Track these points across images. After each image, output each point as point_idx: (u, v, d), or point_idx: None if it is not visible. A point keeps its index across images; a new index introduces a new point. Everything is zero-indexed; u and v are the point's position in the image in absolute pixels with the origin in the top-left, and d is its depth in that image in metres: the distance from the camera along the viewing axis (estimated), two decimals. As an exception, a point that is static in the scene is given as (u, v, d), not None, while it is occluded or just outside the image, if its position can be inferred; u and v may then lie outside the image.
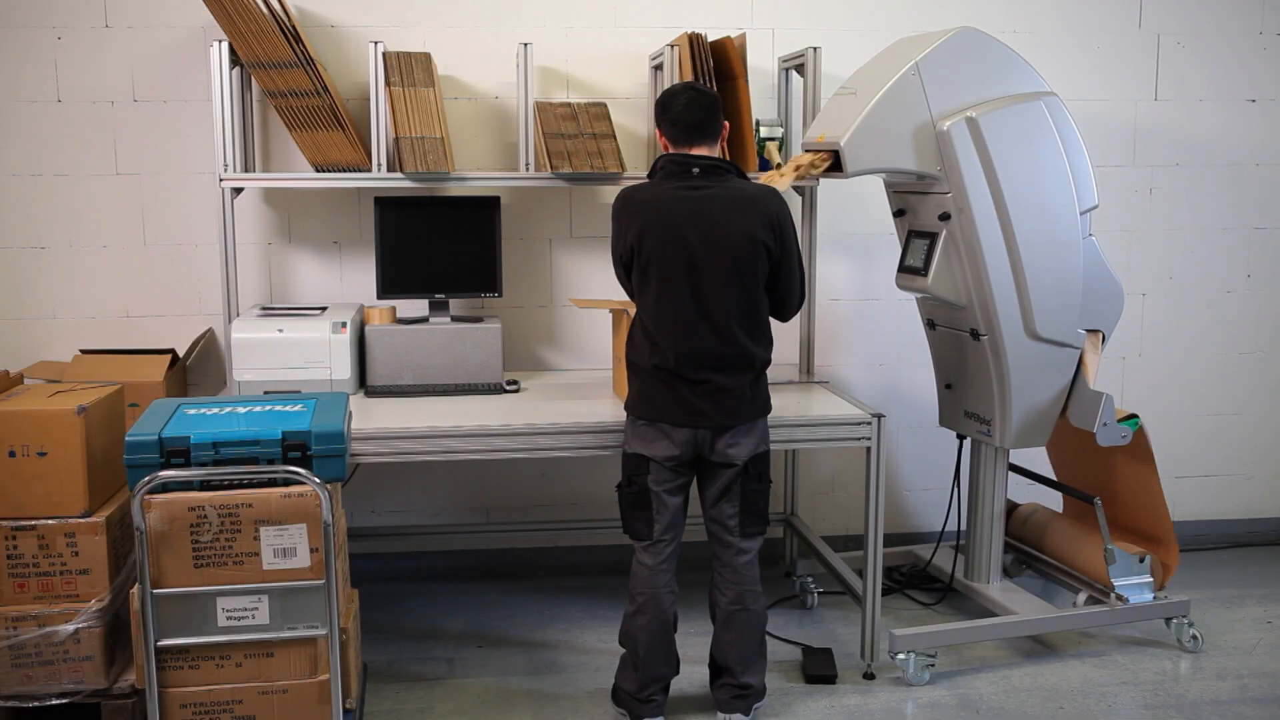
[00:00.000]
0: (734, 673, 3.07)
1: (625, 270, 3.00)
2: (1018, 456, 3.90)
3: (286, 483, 2.71)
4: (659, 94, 3.06)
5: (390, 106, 3.56)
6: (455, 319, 3.79)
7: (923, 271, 3.40)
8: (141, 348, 3.79)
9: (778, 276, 2.96)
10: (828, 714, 3.21)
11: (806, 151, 3.33)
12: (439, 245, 3.77)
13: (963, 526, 3.92)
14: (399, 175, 3.57)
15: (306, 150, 3.57)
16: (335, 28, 3.89)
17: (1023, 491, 4.14)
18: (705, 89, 3.02)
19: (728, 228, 2.87)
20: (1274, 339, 4.53)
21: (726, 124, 3.07)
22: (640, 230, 2.90)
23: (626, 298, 3.12)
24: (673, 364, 2.90)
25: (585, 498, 4.24)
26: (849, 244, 4.24)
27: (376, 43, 3.54)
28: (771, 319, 3.04)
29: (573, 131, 3.67)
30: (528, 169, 3.67)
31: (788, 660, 3.51)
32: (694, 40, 3.57)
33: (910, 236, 3.51)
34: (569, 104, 3.80)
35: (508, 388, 3.65)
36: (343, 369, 3.50)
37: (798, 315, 3.95)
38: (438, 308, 3.82)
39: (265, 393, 3.38)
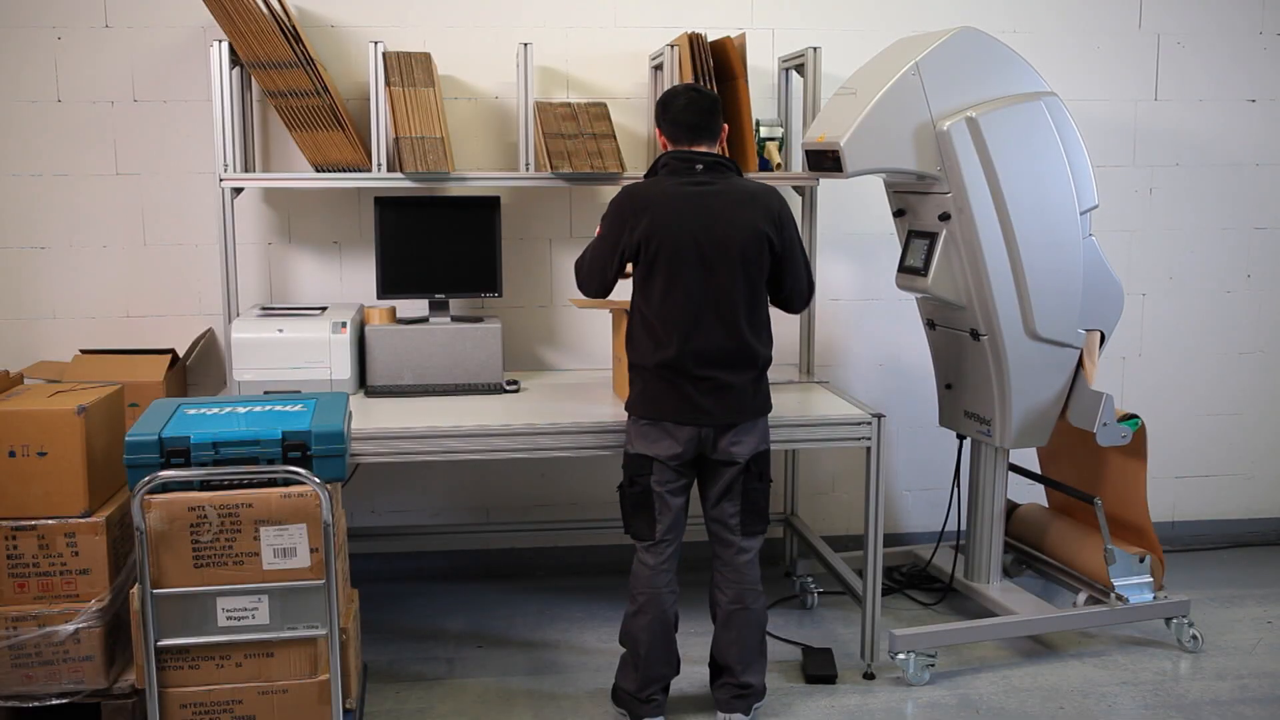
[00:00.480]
0: (734, 672, 3.07)
1: (620, 263, 2.98)
2: (1018, 456, 3.90)
3: (286, 483, 2.71)
4: (659, 94, 3.07)
5: (390, 106, 3.56)
6: (455, 319, 3.79)
7: (923, 271, 3.40)
8: (141, 348, 3.79)
9: (782, 271, 2.99)
10: (828, 714, 3.21)
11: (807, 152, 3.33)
12: (439, 245, 3.76)
13: (963, 526, 3.92)
14: (399, 175, 3.57)
15: (306, 150, 3.57)
16: (335, 28, 3.89)
17: (1023, 491, 4.14)
18: (706, 90, 3.04)
19: (734, 222, 2.89)
20: (1274, 339, 4.53)
21: (726, 126, 3.08)
22: (649, 225, 2.89)
23: (627, 298, 3.11)
24: (678, 359, 2.90)
25: (585, 498, 4.24)
26: (849, 244, 4.24)
27: (376, 43, 3.54)
28: (783, 311, 3.08)
29: (573, 131, 3.67)
30: (528, 169, 3.67)
31: (788, 660, 3.51)
32: (694, 40, 3.57)
33: (910, 236, 3.51)
34: (569, 104, 3.80)
35: (508, 388, 3.65)
36: (343, 369, 3.50)
37: (798, 316, 3.98)
38: (438, 308, 3.82)
39: (265, 393, 3.38)
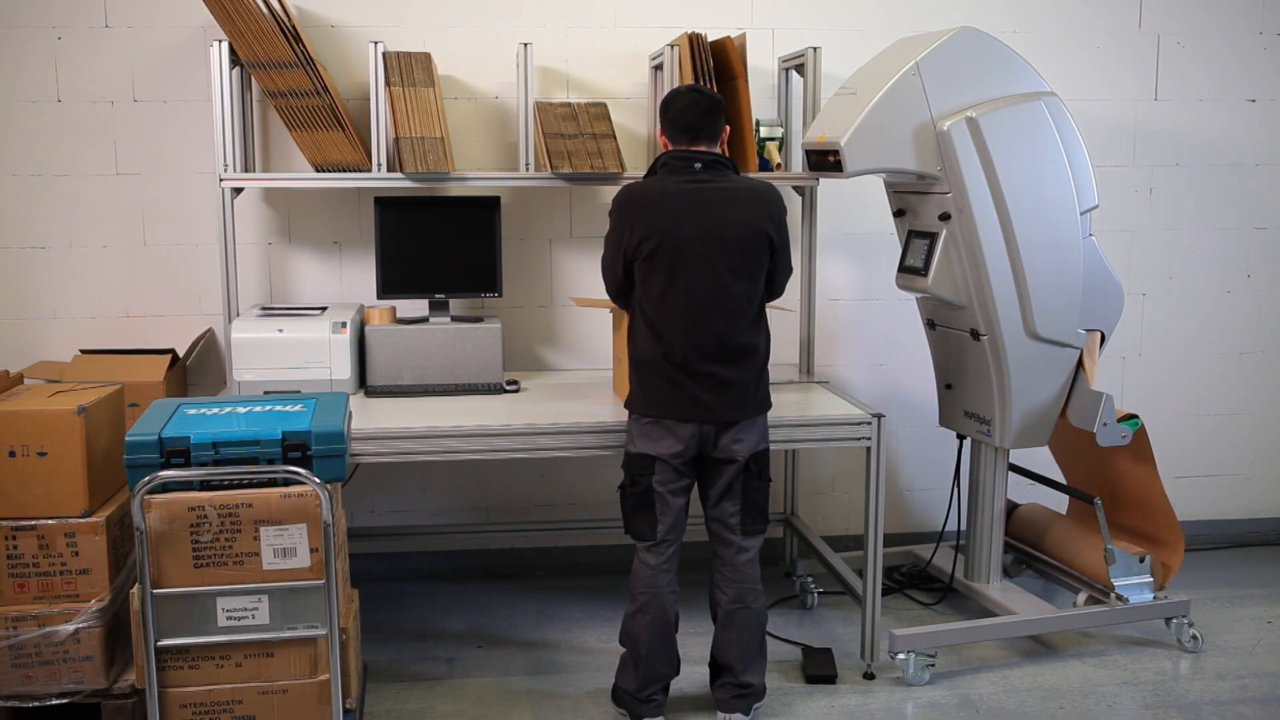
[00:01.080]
0: (734, 671, 3.07)
1: (626, 265, 2.99)
2: (1018, 456, 3.89)
3: (286, 483, 2.71)
4: (660, 94, 3.08)
5: (390, 106, 3.56)
6: (455, 319, 3.79)
7: (923, 271, 3.40)
8: (141, 348, 3.79)
9: (776, 265, 3.01)
10: (828, 714, 3.21)
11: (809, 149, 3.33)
12: (439, 245, 3.76)
13: (963, 526, 3.92)
14: (399, 175, 3.57)
15: (306, 150, 3.57)
16: (335, 28, 3.89)
17: (1023, 491, 4.14)
18: (708, 91, 3.05)
19: (735, 220, 2.90)
20: (1274, 339, 4.53)
21: (727, 128, 3.09)
22: (648, 223, 2.90)
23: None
24: (679, 356, 2.90)
25: (585, 498, 4.24)
26: (849, 244, 4.24)
27: (376, 43, 3.54)
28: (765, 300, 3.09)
29: (573, 131, 3.67)
30: (528, 169, 3.67)
31: (788, 660, 3.51)
32: (694, 40, 3.56)
33: (910, 236, 3.51)
34: (569, 104, 3.80)
35: (508, 388, 3.65)
36: (343, 369, 3.50)
37: (798, 316, 3.99)
38: (438, 308, 3.82)
39: (265, 393, 3.38)
